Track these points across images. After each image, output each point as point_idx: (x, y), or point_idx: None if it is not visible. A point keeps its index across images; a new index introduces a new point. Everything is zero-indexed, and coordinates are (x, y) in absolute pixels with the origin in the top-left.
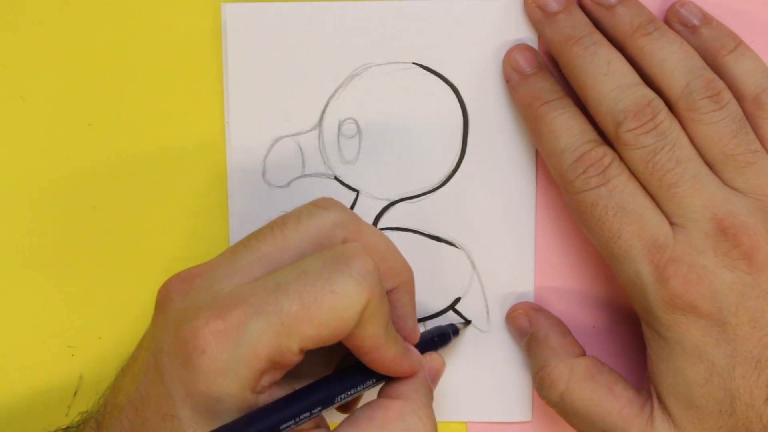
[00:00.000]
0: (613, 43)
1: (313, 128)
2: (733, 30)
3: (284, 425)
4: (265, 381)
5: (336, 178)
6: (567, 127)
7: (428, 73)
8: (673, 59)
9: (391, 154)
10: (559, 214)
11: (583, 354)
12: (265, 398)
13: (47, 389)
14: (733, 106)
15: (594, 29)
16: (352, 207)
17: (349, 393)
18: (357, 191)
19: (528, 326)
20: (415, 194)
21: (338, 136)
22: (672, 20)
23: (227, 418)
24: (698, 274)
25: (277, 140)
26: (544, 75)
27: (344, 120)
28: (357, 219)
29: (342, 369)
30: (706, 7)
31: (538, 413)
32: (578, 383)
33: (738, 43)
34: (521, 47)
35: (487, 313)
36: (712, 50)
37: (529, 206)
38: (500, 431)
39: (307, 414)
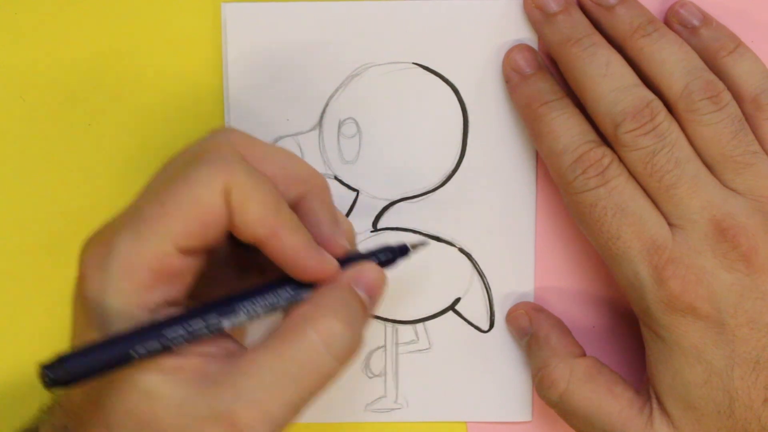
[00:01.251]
0: (613, 43)
1: (313, 128)
2: (733, 31)
3: (174, 335)
4: (158, 297)
5: (336, 178)
6: (566, 128)
7: (428, 73)
8: (672, 60)
9: (391, 154)
10: (559, 214)
11: (584, 354)
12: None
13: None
14: (733, 108)
15: (593, 30)
16: (352, 207)
17: (257, 302)
18: (357, 191)
19: (528, 326)
20: (415, 194)
21: (338, 136)
22: (672, 21)
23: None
24: (697, 275)
25: (277, 140)
26: (544, 75)
27: (344, 120)
28: (248, 136)
29: (256, 283)
30: (706, 7)
31: (538, 413)
32: (578, 384)
33: (738, 44)
34: (521, 47)
35: (487, 313)
36: (712, 51)
37: (529, 206)
38: (500, 431)
39: (203, 325)
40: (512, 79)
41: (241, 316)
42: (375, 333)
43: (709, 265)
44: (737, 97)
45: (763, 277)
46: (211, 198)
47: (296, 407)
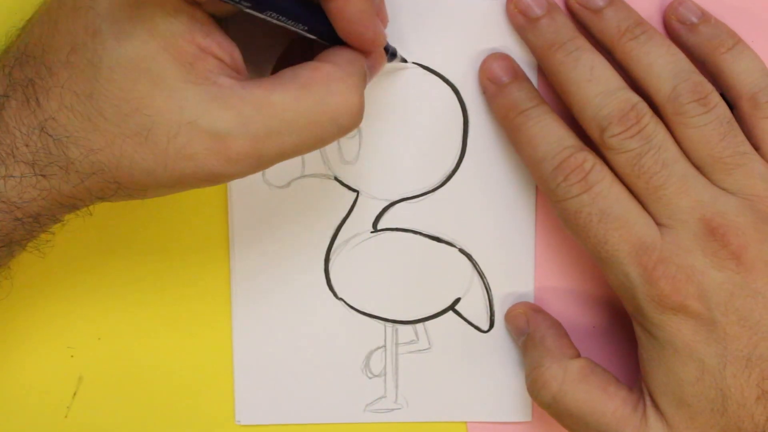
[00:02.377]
0: (600, 47)
1: None
2: (732, 28)
3: None
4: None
5: (336, 179)
6: (544, 135)
7: (428, 73)
8: (659, 63)
9: (391, 154)
10: None
11: (578, 356)
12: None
13: (46, 390)
14: (721, 109)
15: (577, 34)
16: (352, 207)
17: (281, 10)
18: (357, 191)
19: (526, 326)
20: (415, 194)
21: None
22: (671, 18)
23: (146, 12)
24: (687, 274)
25: None
26: (520, 84)
27: None
28: None
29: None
30: (706, 4)
31: (537, 413)
32: (572, 384)
33: (736, 41)
34: (496, 56)
35: (487, 313)
36: (710, 48)
37: (529, 206)
38: (500, 431)
39: None
40: (489, 89)
41: (264, 11)
42: (375, 333)
43: (699, 263)
44: (734, 95)
45: (753, 275)
46: None
47: (283, 156)
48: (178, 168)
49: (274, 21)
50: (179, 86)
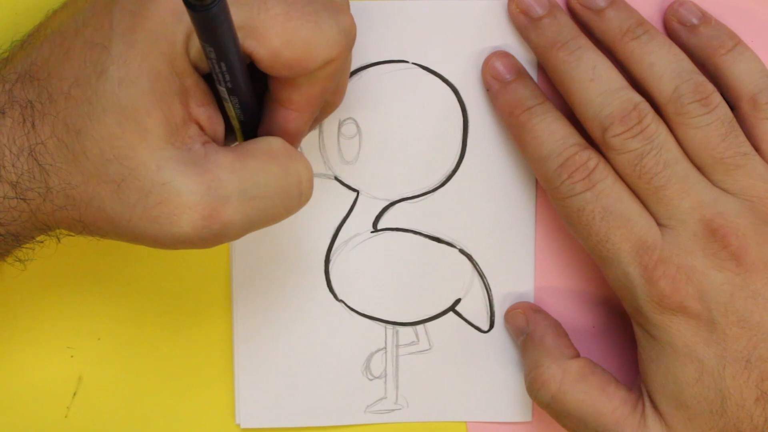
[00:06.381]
0: (602, 46)
1: (313, 128)
2: (733, 30)
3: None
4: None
5: (336, 178)
6: (549, 133)
7: (428, 73)
8: (661, 63)
9: (391, 154)
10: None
11: (578, 356)
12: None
13: (46, 390)
14: (722, 110)
15: (579, 33)
16: (352, 207)
17: (242, 101)
18: (357, 191)
19: (525, 326)
20: (415, 194)
21: (338, 136)
22: (671, 19)
23: (154, 65)
24: (687, 274)
25: None
26: (524, 81)
27: (344, 120)
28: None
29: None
30: (706, 6)
31: (538, 413)
32: (571, 384)
33: (737, 43)
34: (499, 54)
35: (488, 313)
36: (710, 49)
37: (529, 206)
38: (500, 431)
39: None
40: (492, 87)
41: (219, 71)
42: (375, 335)
43: (699, 264)
44: (734, 96)
45: (753, 276)
46: (318, 58)
47: (251, 224)
48: (140, 226)
49: (227, 103)
50: (162, 145)
